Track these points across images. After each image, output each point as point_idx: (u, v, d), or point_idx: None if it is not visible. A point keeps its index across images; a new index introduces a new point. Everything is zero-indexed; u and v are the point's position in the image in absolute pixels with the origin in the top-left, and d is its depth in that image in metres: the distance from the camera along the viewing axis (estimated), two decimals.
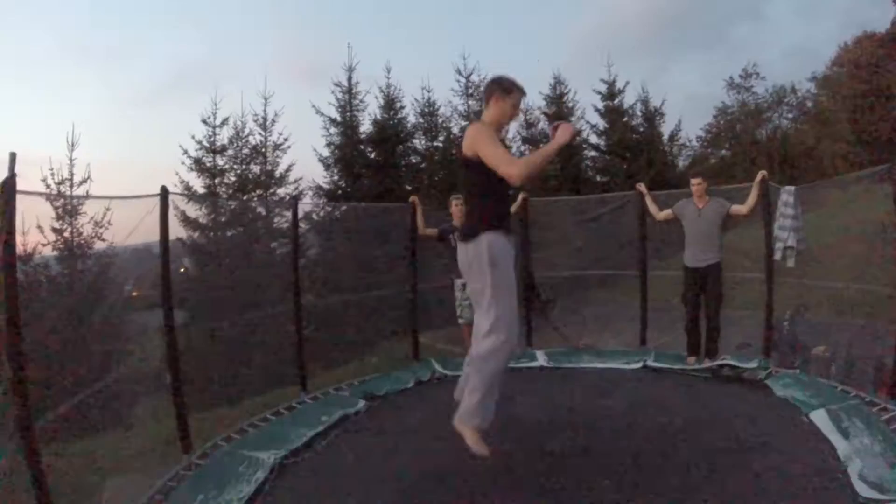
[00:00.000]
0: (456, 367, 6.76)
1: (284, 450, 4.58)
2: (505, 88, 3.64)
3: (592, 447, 4.35)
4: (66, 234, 9.46)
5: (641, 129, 17.95)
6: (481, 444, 3.59)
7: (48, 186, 9.93)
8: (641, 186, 7.08)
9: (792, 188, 6.15)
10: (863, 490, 3.41)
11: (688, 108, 63.54)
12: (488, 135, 3.41)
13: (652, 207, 6.83)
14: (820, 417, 4.53)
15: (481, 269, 3.44)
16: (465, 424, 3.60)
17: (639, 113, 18.28)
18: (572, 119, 16.69)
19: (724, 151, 28.35)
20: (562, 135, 3.48)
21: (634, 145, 17.12)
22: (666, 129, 19.15)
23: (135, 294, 8.95)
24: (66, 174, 10.23)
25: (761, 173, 6.29)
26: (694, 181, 6.32)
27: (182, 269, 11.37)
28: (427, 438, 4.78)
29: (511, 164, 3.27)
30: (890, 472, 3.55)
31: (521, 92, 3.71)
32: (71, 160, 10.33)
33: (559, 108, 16.50)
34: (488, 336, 3.48)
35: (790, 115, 29.00)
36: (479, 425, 3.57)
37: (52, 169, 10.04)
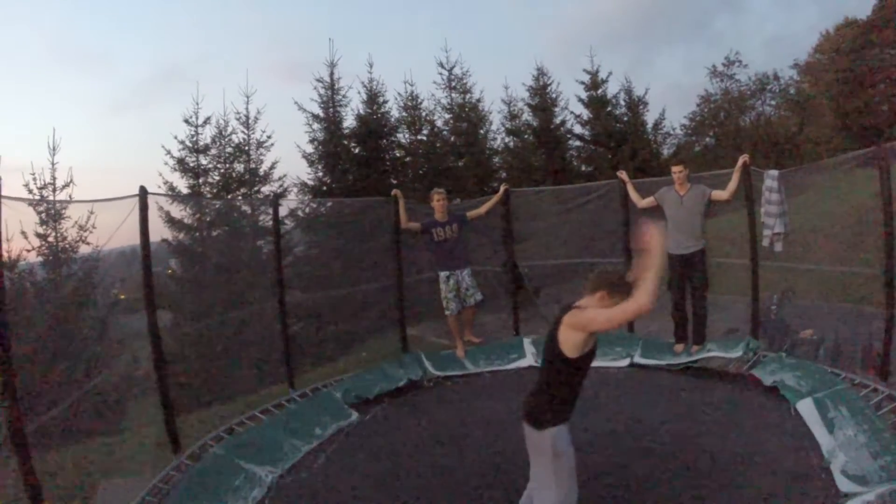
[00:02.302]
0: (446, 364, 6.78)
1: (280, 468, 4.58)
2: (618, 289, 3.13)
3: (585, 452, 4.35)
4: (51, 239, 9.38)
5: (625, 119, 17.97)
6: None
7: (30, 192, 9.86)
8: (623, 174, 7.10)
9: (775, 172, 6.15)
10: (844, 485, 3.45)
11: (671, 97, 63.62)
12: (591, 312, 3.05)
13: (634, 195, 6.84)
14: (806, 408, 4.56)
15: (544, 459, 3.20)
16: None
17: (622, 102, 18.31)
18: (557, 108, 16.68)
19: (708, 139, 28.45)
20: (653, 240, 2.86)
21: (618, 134, 17.15)
22: (650, 118, 19.19)
23: (122, 297, 8.90)
24: (48, 179, 10.15)
25: (742, 158, 6.30)
26: (675, 168, 6.33)
27: (169, 271, 11.31)
28: (422, 455, 4.80)
29: (635, 304, 2.82)
30: (872, 463, 3.58)
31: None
32: (53, 164, 10.25)
33: (542, 98, 16.49)
34: None
35: (773, 102, 29.15)
36: None
37: (33, 174, 9.95)
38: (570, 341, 3.08)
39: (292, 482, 4.45)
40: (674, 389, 5.72)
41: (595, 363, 6.13)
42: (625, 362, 6.49)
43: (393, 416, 5.81)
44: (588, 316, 3.03)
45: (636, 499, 3.79)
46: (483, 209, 7.31)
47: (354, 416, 5.66)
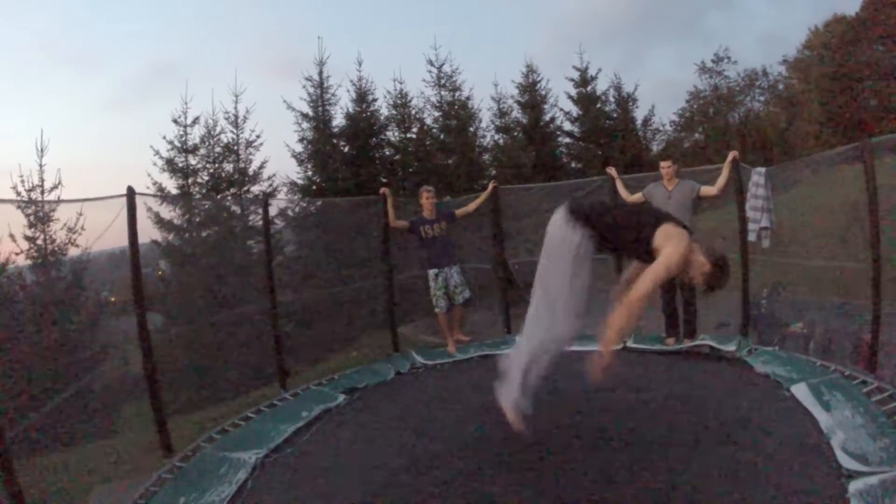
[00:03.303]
0: (435, 357, 6.80)
1: (265, 448, 4.57)
2: (718, 265, 3.38)
3: (574, 430, 4.38)
4: (39, 242, 9.29)
5: (615, 115, 18.05)
6: (519, 419, 3.65)
7: (18, 194, 9.76)
8: (612, 170, 7.11)
9: (762, 169, 6.19)
10: (846, 462, 3.45)
11: (661, 93, 63.63)
12: (675, 263, 3.28)
13: (622, 191, 6.85)
14: (801, 391, 4.59)
15: (563, 262, 3.44)
16: (505, 401, 3.67)
17: (612, 99, 18.39)
18: (546, 105, 16.75)
19: (697, 135, 28.55)
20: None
21: (608, 131, 17.22)
22: (639, 115, 19.32)
23: (112, 300, 8.86)
24: (36, 181, 10.05)
25: (732, 154, 6.33)
26: (663, 164, 6.35)
27: (158, 273, 11.26)
28: (407, 430, 4.80)
29: (641, 291, 3.25)
30: (872, 444, 3.59)
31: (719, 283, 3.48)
32: (41, 166, 10.14)
33: (532, 96, 16.51)
34: (552, 323, 3.52)
35: (762, 98, 29.30)
36: (515, 401, 3.62)
37: (21, 176, 9.85)
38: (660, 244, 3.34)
39: (276, 460, 4.46)
40: (667, 367, 5.79)
41: (588, 348, 6.25)
42: (618, 346, 6.51)
43: (380, 395, 5.88)
44: (674, 257, 3.27)
45: (638, 459, 3.82)
46: (472, 207, 7.32)
47: (341, 398, 5.69)
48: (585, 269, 3.48)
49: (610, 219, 3.50)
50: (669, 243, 3.29)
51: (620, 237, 3.51)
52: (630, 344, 6.51)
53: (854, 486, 3.22)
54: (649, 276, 3.22)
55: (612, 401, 4.88)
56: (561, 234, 3.48)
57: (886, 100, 22.90)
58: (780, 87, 28.88)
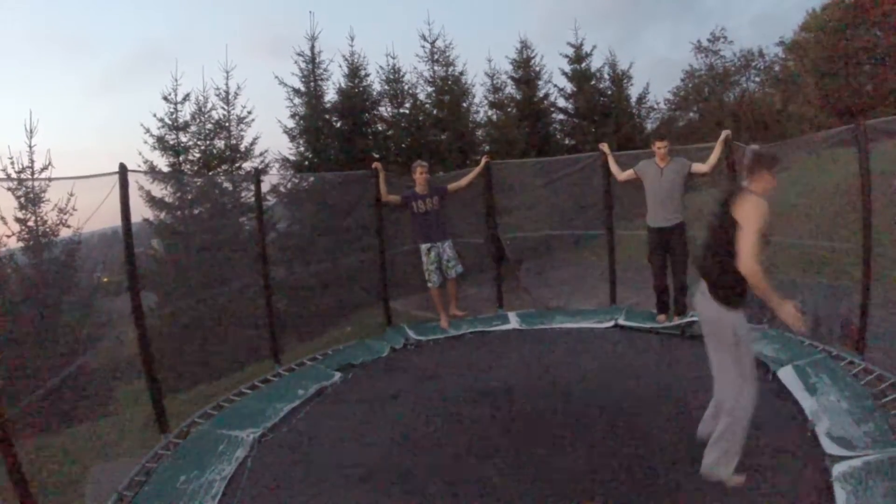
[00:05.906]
0: (428, 332, 6.85)
1: (262, 427, 4.62)
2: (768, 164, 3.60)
3: (567, 408, 4.45)
4: (31, 224, 9.24)
5: (609, 93, 17.94)
6: (738, 478, 3.40)
7: (8, 176, 9.68)
8: (604, 146, 7.11)
9: (756, 147, 6.18)
10: (830, 447, 3.51)
11: (656, 71, 63.21)
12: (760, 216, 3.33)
13: (614, 168, 6.86)
14: (787, 374, 4.64)
15: (724, 342, 3.41)
16: (714, 474, 3.41)
17: (606, 76, 18.23)
18: (540, 82, 16.67)
19: (692, 114, 28.43)
20: (786, 313, 3.38)
21: (602, 108, 17.14)
22: (634, 92, 19.22)
23: (105, 280, 8.83)
24: (26, 162, 9.95)
25: (725, 132, 6.33)
26: (659, 144, 6.33)
27: (151, 252, 11.20)
28: (402, 408, 4.86)
29: (751, 259, 3.28)
30: (857, 429, 3.64)
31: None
32: (30, 147, 10.03)
33: (526, 72, 16.41)
34: (737, 401, 3.34)
35: (758, 79, 29.18)
36: (724, 475, 3.39)
37: (11, 158, 9.75)
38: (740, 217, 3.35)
39: (273, 438, 4.54)
40: (658, 344, 5.91)
41: (579, 324, 6.31)
42: (609, 324, 6.58)
43: (374, 372, 5.95)
44: (755, 216, 3.32)
45: (628, 441, 3.92)
46: (464, 181, 7.33)
47: (337, 376, 5.75)
48: (749, 348, 3.45)
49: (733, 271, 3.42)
50: (743, 206, 3.36)
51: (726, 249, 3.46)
52: (622, 321, 6.57)
53: (838, 469, 3.28)
54: (745, 242, 3.30)
55: (604, 381, 4.96)
56: (713, 325, 3.50)
57: (882, 84, 22.87)
58: (776, 68, 28.77)
